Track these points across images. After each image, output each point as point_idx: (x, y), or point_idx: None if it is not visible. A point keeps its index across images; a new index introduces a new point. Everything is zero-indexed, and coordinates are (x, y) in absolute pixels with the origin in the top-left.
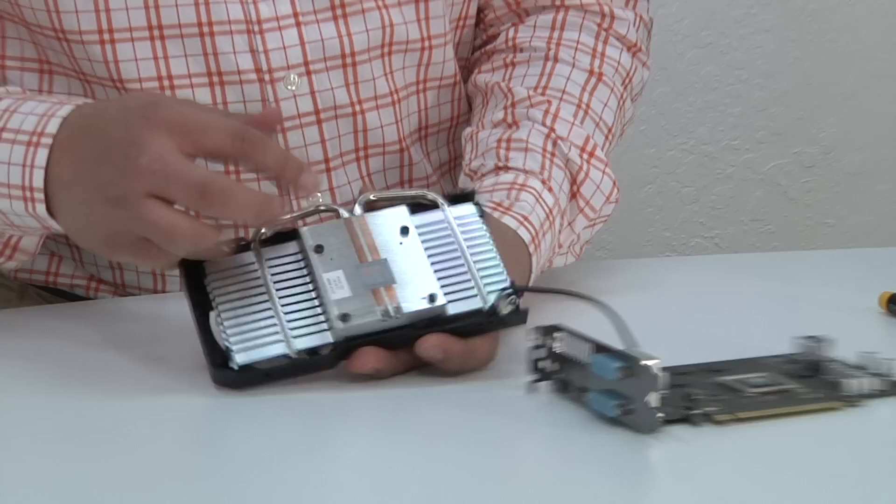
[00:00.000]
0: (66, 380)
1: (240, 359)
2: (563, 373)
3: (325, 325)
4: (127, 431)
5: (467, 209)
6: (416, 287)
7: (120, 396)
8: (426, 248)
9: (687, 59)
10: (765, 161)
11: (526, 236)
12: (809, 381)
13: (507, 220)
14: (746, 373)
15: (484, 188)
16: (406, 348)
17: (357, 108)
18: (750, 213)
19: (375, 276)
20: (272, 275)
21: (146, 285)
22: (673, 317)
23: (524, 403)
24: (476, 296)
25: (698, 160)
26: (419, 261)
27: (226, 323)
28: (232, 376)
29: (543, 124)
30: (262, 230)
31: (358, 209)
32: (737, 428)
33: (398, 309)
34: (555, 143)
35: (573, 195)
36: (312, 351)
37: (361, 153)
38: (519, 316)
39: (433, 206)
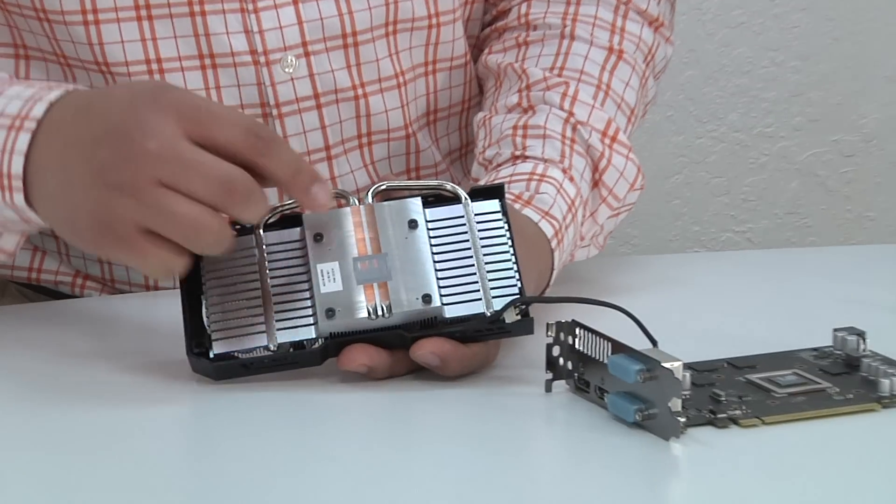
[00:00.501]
0: (48, 383)
1: (217, 347)
2: (581, 372)
3: (311, 320)
4: (113, 438)
5: (490, 206)
6: (412, 286)
7: (106, 401)
8: (435, 245)
9: (717, 40)
10: (801, 150)
11: (548, 231)
12: (843, 378)
13: (528, 212)
14: (776, 370)
15: (501, 179)
16: (403, 349)
17: (359, 91)
18: (785, 206)
19: (371, 271)
20: (269, 262)
21: (137, 280)
22: (701, 316)
23: (539, 405)
24: (480, 300)
25: (729, 149)
26: (422, 258)
27: (211, 308)
28: (207, 366)
29: (561, 108)
30: (269, 213)
31: (369, 198)
32: (764, 429)
33: (388, 308)
34: (574, 129)
35: (595, 184)
36: (298, 345)
37: (364, 140)
38: (524, 325)
39: (453, 198)
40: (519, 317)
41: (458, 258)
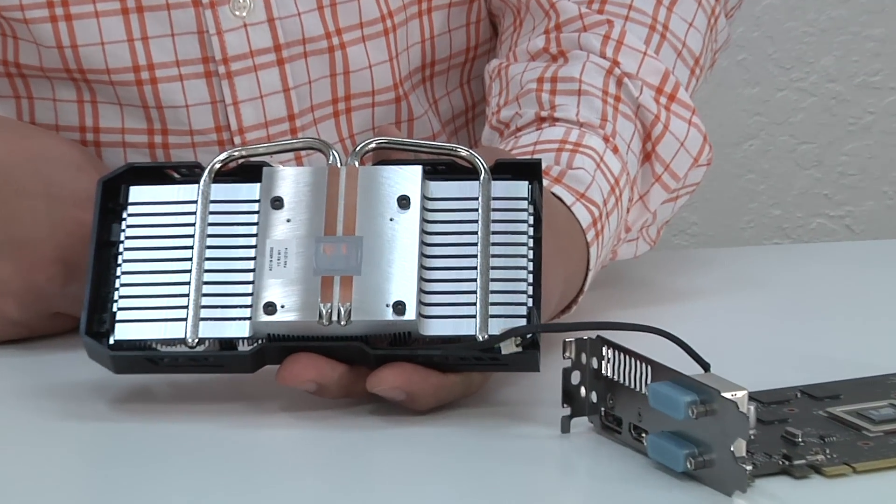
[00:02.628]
0: None
1: (120, 332)
2: (610, 405)
3: (247, 313)
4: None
5: (516, 189)
6: (385, 288)
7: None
8: (429, 233)
9: None
10: None
11: (585, 218)
12: None
13: (557, 191)
14: (866, 400)
15: (521, 147)
16: (364, 364)
17: (335, 40)
18: None
19: (335, 258)
20: (211, 224)
21: None
22: (781, 328)
23: (553, 449)
24: (473, 317)
25: (822, 104)
26: (406, 250)
27: (124, 277)
28: (104, 354)
29: (603, 55)
30: (222, 158)
31: (355, 158)
32: (855, 480)
33: (348, 313)
34: (619, 83)
35: (647, 157)
36: (228, 344)
37: (341, 105)
38: (527, 359)
39: (469, 170)
40: (520, 348)
41: (456, 255)
